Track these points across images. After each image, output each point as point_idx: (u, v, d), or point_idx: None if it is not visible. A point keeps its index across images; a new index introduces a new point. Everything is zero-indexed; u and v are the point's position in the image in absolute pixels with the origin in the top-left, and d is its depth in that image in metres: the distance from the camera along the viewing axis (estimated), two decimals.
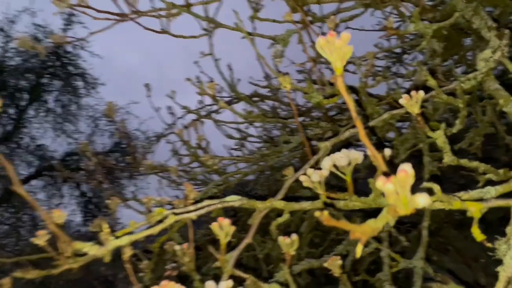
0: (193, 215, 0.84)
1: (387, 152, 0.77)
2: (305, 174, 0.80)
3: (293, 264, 1.45)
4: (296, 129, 2.25)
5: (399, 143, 1.68)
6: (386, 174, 0.43)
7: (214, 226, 0.79)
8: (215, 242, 0.85)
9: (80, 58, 7.72)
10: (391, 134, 1.82)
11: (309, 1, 1.68)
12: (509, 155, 2.18)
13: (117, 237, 0.77)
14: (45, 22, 7.32)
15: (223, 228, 0.79)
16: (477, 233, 0.72)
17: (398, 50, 2.50)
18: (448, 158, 0.91)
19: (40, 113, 7.79)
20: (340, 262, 0.99)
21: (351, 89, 1.54)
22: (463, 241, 2.71)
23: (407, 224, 2.25)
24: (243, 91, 2.10)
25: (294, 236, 0.87)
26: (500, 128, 1.82)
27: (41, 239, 0.79)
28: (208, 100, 2.30)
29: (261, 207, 0.88)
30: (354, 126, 1.21)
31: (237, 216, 2.24)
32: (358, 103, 1.53)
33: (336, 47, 0.49)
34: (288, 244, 0.87)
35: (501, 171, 0.96)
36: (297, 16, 1.53)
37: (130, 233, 0.83)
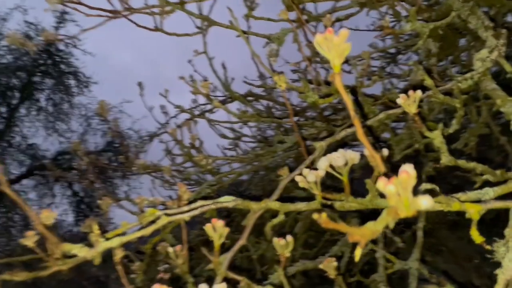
0: (186, 216, 0.82)
1: (385, 152, 0.76)
2: (300, 174, 0.79)
3: (287, 265, 1.44)
4: (290, 129, 2.24)
5: (395, 143, 1.67)
6: (387, 175, 0.42)
7: (208, 227, 0.77)
8: (208, 243, 0.83)
9: (73, 56, 7.69)
10: (386, 135, 1.81)
11: None
12: (503, 155, 2.19)
13: (107, 239, 0.75)
14: (37, 20, 7.27)
15: (216, 230, 0.77)
16: (476, 235, 0.71)
17: (392, 50, 2.50)
18: (446, 159, 0.90)
19: (31, 112, 7.73)
20: (335, 263, 0.98)
21: (348, 88, 1.53)
22: (456, 242, 2.72)
23: (401, 224, 2.25)
24: (237, 90, 2.08)
25: (289, 238, 0.85)
26: (495, 129, 1.82)
27: (29, 240, 0.77)
28: (202, 99, 2.29)
29: (256, 208, 0.86)
30: (350, 126, 1.20)
31: (231, 216, 2.23)
32: (355, 102, 1.52)
33: (334, 44, 0.47)
34: (283, 245, 0.86)
35: (498, 172, 0.95)
36: (292, 15, 1.51)
37: (122, 234, 0.81)
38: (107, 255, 0.82)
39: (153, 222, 0.81)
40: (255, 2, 1.68)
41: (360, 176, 1.94)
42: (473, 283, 2.49)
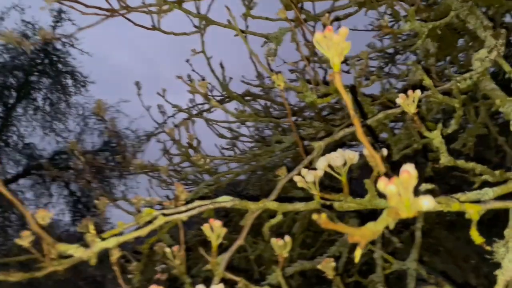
0: (183, 216, 0.81)
1: (384, 152, 0.75)
2: (299, 174, 0.78)
3: (285, 266, 1.43)
4: (288, 129, 2.23)
5: (393, 143, 1.67)
6: (388, 175, 0.41)
7: (205, 228, 0.77)
8: (206, 243, 0.82)
9: (70, 56, 7.67)
10: (384, 135, 1.81)
11: None
12: (500, 156, 2.19)
13: (104, 239, 0.74)
14: (34, 19, 7.25)
15: (214, 230, 0.76)
16: (475, 236, 0.70)
17: (390, 50, 2.50)
18: (445, 159, 0.89)
19: (28, 111, 7.71)
20: (333, 264, 0.98)
21: (347, 88, 1.53)
22: (454, 242, 2.72)
23: (399, 224, 2.24)
24: (235, 90, 2.07)
25: (287, 238, 0.85)
26: (493, 129, 1.82)
27: (25, 240, 0.76)
28: (199, 99, 2.28)
29: (254, 208, 0.86)
30: (348, 126, 1.19)
31: (229, 216, 2.22)
32: (354, 102, 1.51)
33: (334, 43, 0.47)
34: (281, 246, 0.85)
35: (497, 172, 0.95)
36: (290, 14, 1.51)
37: (118, 234, 0.80)
38: (104, 255, 0.81)
39: (150, 222, 0.81)
40: (253, 1, 1.68)
41: (358, 176, 1.94)
42: (470, 284, 2.50)
